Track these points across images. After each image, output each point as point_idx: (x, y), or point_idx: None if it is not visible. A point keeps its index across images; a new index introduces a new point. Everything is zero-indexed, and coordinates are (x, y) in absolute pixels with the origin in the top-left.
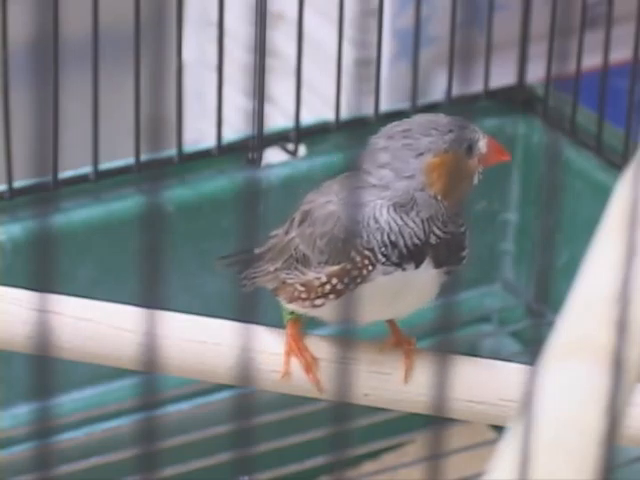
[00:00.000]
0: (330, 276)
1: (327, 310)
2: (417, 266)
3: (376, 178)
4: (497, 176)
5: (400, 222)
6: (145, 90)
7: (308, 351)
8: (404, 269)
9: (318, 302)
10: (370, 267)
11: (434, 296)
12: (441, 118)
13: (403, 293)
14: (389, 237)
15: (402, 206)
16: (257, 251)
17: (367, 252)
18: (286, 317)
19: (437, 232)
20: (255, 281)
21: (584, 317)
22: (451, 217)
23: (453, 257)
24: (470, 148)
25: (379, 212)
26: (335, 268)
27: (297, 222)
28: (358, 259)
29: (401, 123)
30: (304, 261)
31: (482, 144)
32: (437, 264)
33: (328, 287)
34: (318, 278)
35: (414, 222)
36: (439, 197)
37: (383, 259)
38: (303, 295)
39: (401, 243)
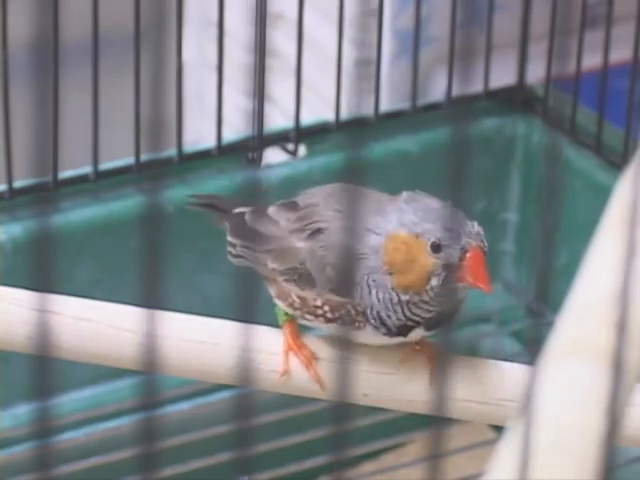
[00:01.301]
0: (326, 304)
1: (317, 324)
2: (405, 335)
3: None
4: (497, 176)
5: (386, 301)
6: (145, 90)
7: (307, 348)
8: (391, 337)
9: (309, 317)
10: (361, 324)
11: None
12: (441, 206)
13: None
14: (379, 313)
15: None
16: (240, 211)
17: (360, 311)
18: (281, 317)
19: (421, 314)
20: (244, 261)
21: (584, 317)
22: (445, 293)
23: (444, 323)
24: (437, 247)
25: (372, 280)
26: (334, 300)
27: (306, 235)
28: (353, 312)
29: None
30: (308, 280)
31: (461, 254)
32: (427, 329)
33: (320, 311)
34: (315, 299)
35: (406, 309)
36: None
37: (373, 323)
38: (296, 305)
39: (389, 323)
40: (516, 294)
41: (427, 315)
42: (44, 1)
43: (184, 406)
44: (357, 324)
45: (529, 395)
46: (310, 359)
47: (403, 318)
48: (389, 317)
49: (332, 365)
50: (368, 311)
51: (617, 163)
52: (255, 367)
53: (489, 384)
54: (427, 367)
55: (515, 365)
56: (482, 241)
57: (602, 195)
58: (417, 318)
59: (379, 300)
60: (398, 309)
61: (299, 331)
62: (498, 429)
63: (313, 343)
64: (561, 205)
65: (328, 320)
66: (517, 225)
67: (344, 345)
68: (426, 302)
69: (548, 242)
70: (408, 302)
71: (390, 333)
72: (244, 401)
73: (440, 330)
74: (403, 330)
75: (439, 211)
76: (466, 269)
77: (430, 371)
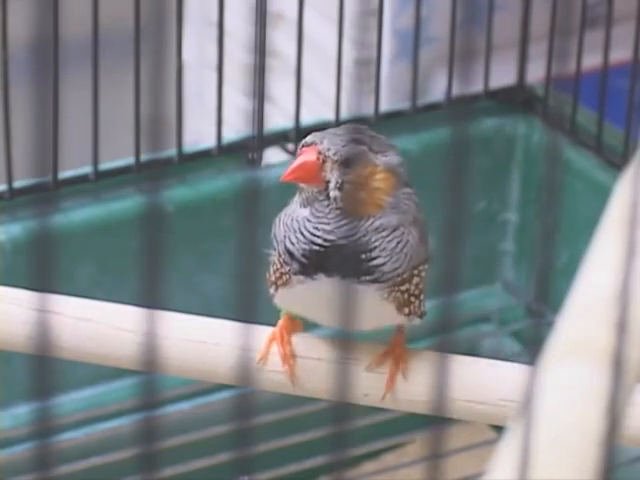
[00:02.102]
0: (272, 266)
1: (278, 300)
2: (317, 274)
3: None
4: (497, 176)
5: (290, 229)
6: (145, 90)
7: (290, 345)
8: (313, 278)
9: (271, 289)
10: (286, 272)
11: (382, 315)
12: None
13: (323, 303)
14: (285, 245)
15: (304, 207)
16: None
17: (282, 257)
18: (282, 310)
19: (319, 239)
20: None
21: (584, 317)
22: (348, 225)
23: (358, 267)
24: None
25: (285, 218)
26: (274, 259)
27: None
28: (278, 264)
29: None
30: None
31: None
32: (341, 274)
33: (273, 278)
34: (272, 264)
35: (303, 227)
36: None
37: (287, 267)
38: (272, 276)
39: (295, 253)
40: (516, 294)
41: (326, 236)
42: (44, 1)
43: (184, 406)
44: (284, 276)
45: (529, 395)
46: (288, 355)
47: (302, 238)
48: (293, 244)
49: (332, 365)
50: (280, 247)
51: (617, 163)
52: (255, 367)
53: (489, 384)
54: (393, 369)
55: (515, 365)
56: (327, 144)
57: (602, 195)
58: (318, 240)
59: (285, 225)
60: (295, 227)
61: (292, 327)
62: (498, 429)
63: (314, 343)
64: (561, 205)
65: (277, 286)
66: (517, 225)
67: (344, 345)
68: (318, 217)
69: (548, 242)
70: (296, 221)
71: (305, 270)
72: (244, 401)
73: (352, 275)
74: (310, 262)
75: (347, 130)
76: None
77: (391, 373)
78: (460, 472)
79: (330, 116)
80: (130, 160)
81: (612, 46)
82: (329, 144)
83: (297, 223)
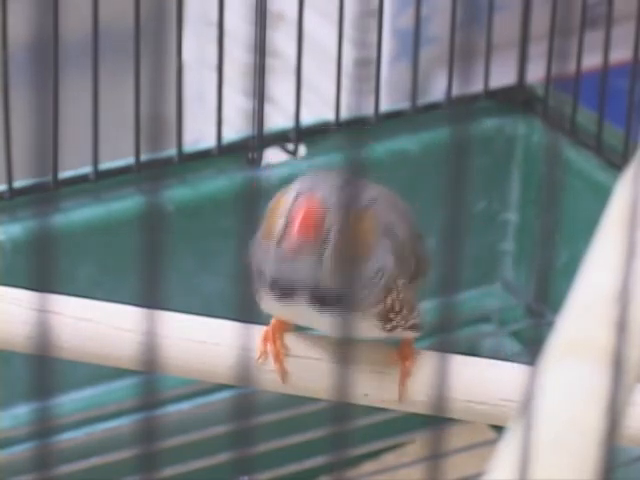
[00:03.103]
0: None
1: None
2: (293, 303)
3: None
4: (497, 176)
5: (269, 256)
6: (145, 90)
7: (282, 342)
8: (285, 303)
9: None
10: (259, 286)
11: (365, 332)
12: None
13: (309, 323)
14: (260, 269)
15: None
16: None
17: (255, 276)
18: None
19: (304, 276)
20: None
21: (584, 317)
22: (328, 266)
23: (334, 302)
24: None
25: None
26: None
27: None
28: (255, 276)
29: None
30: None
31: (293, 201)
32: (319, 307)
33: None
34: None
35: (282, 261)
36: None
37: (261, 286)
38: None
39: (268, 276)
40: (516, 294)
41: (298, 278)
42: (44, 1)
43: (184, 406)
44: (258, 290)
45: (529, 395)
46: (279, 353)
47: (275, 273)
48: (264, 271)
49: (332, 365)
50: (255, 272)
51: (617, 163)
52: (255, 366)
53: (489, 384)
54: (404, 369)
55: (515, 365)
56: (325, 191)
57: (602, 195)
58: (288, 277)
59: (260, 249)
60: (270, 259)
61: (283, 325)
62: (498, 429)
63: (314, 343)
64: (561, 205)
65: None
66: (517, 225)
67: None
68: (283, 250)
69: (548, 242)
70: (274, 252)
71: (277, 293)
72: (244, 401)
73: (334, 309)
74: (286, 294)
75: (331, 176)
76: (292, 215)
77: (402, 373)
78: (460, 472)
79: (330, 116)
80: (130, 160)
81: (612, 46)
82: (324, 193)
83: (272, 255)
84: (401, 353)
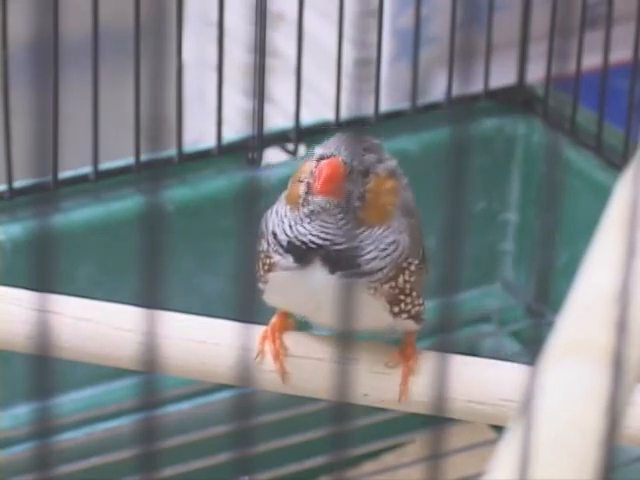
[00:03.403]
0: (259, 254)
1: (266, 292)
2: (305, 265)
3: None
4: (497, 176)
5: (285, 220)
6: (145, 90)
7: (281, 342)
8: (297, 267)
9: (259, 283)
10: (271, 256)
11: (371, 312)
12: (354, 138)
13: (315, 296)
14: (274, 232)
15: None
16: None
17: (269, 241)
18: (276, 310)
19: (319, 237)
20: None
21: (584, 317)
22: (347, 229)
23: (347, 264)
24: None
25: (278, 207)
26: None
27: None
28: (265, 246)
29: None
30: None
31: (316, 163)
32: (331, 269)
33: (260, 266)
34: (260, 255)
35: (299, 223)
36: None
37: (274, 251)
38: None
39: (282, 238)
40: (516, 294)
41: (313, 237)
42: (44, 1)
43: (184, 406)
44: (269, 259)
45: (529, 395)
46: (278, 352)
47: (290, 233)
48: (279, 234)
49: (332, 365)
50: (269, 237)
51: (617, 163)
52: (254, 366)
53: (489, 384)
54: (406, 370)
55: (515, 365)
56: (348, 155)
57: (602, 195)
58: (304, 238)
59: (275, 215)
60: (285, 221)
61: (284, 325)
62: (498, 429)
63: (314, 343)
64: (561, 205)
65: (263, 273)
66: (517, 225)
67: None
68: (307, 216)
69: (548, 242)
70: (290, 216)
71: (290, 258)
72: (244, 401)
73: (344, 273)
74: (300, 255)
75: (353, 140)
76: (315, 176)
77: (404, 372)
78: (460, 472)
79: (330, 116)
80: (130, 160)
81: (612, 46)
82: (349, 155)
83: (282, 217)
84: (403, 352)
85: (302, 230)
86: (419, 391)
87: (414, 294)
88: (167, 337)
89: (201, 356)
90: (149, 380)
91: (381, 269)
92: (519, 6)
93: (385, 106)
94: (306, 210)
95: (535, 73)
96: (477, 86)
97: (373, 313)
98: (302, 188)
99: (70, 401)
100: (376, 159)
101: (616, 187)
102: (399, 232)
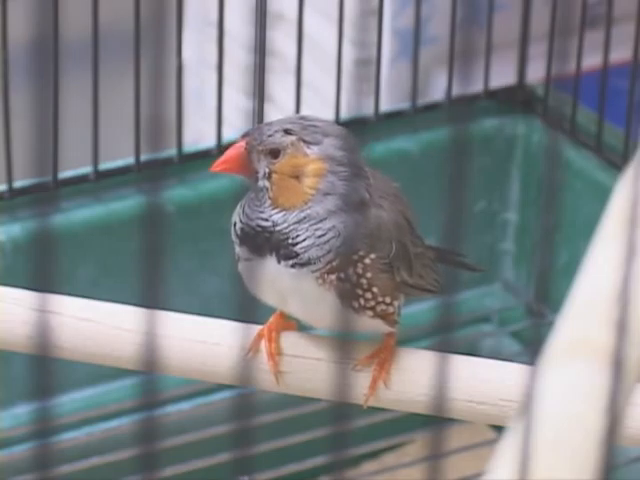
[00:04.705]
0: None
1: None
2: (259, 255)
3: None
4: (497, 176)
5: (240, 208)
6: (145, 90)
7: (277, 343)
8: (253, 257)
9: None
10: (235, 247)
11: (327, 306)
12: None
13: (275, 286)
14: (235, 221)
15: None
16: None
17: (232, 231)
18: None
19: (253, 223)
20: None
21: (584, 317)
22: (277, 214)
23: (288, 252)
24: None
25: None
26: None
27: None
28: (233, 237)
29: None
30: None
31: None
32: (277, 258)
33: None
34: None
35: (243, 212)
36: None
37: (234, 242)
38: None
39: (238, 226)
40: (516, 294)
41: (250, 221)
42: (44, 1)
43: (184, 406)
44: (236, 251)
45: (529, 395)
46: (273, 352)
47: (243, 218)
48: (237, 222)
49: (332, 365)
50: (231, 227)
51: (617, 163)
52: (255, 367)
53: (489, 384)
54: (377, 374)
55: (515, 365)
56: (257, 134)
57: (602, 195)
58: (247, 223)
59: (239, 206)
60: (239, 208)
61: (282, 325)
62: (498, 429)
63: (314, 343)
64: (561, 205)
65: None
66: (517, 225)
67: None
68: (256, 204)
69: (548, 242)
70: (243, 202)
71: (243, 246)
72: (244, 401)
73: (287, 262)
74: (250, 243)
75: (286, 121)
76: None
77: (373, 378)
78: (460, 472)
79: (330, 116)
80: (130, 160)
81: (612, 46)
82: (257, 135)
83: (241, 207)
84: (377, 356)
85: (245, 216)
86: (418, 391)
87: (375, 290)
88: (167, 337)
89: (201, 356)
90: (149, 380)
91: (319, 257)
92: (519, 6)
93: (385, 106)
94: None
95: (535, 73)
96: (477, 86)
97: (327, 307)
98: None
99: (70, 401)
100: (294, 141)
101: (616, 187)
102: (340, 220)
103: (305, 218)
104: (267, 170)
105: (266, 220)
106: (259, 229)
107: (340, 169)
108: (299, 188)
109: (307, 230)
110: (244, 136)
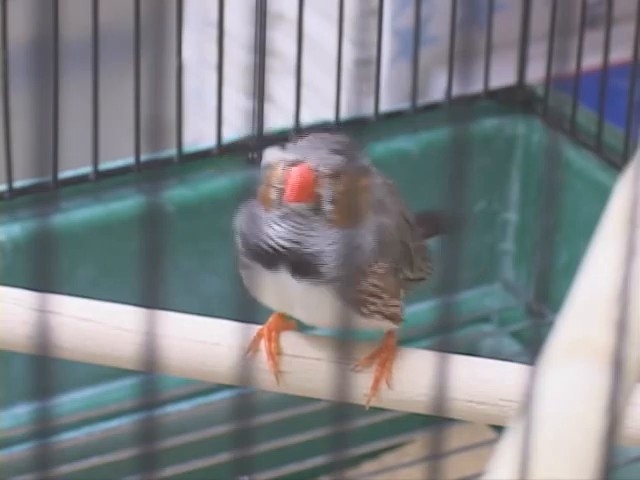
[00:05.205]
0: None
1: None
2: (272, 269)
3: None
4: (497, 176)
5: (257, 221)
6: (145, 90)
7: (276, 342)
8: (263, 268)
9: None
10: (241, 256)
11: (333, 315)
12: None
13: (285, 296)
14: (244, 232)
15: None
16: None
17: (240, 242)
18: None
19: (288, 239)
20: None
21: (584, 317)
22: (317, 232)
23: (310, 270)
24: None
25: (253, 207)
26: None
27: None
28: (238, 245)
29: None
30: None
31: (286, 168)
32: (294, 273)
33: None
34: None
35: (271, 225)
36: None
37: (243, 253)
38: None
39: (251, 241)
40: (516, 294)
41: (282, 240)
42: (44, 1)
43: (184, 406)
44: (241, 259)
45: (529, 395)
46: (272, 352)
47: (259, 233)
48: (249, 236)
49: (332, 365)
50: (239, 237)
51: (617, 163)
52: (255, 367)
53: (489, 384)
54: (378, 375)
55: (515, 365)
56: (316, 159)
57: (602, 195)
58: (271, 241)
59: (249, 216)
60: (257, 222)
61: (281, 325)
62: (498, 429)
63: (314, 343)
64: (561, 205)
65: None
66: (517, 225)
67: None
68: (280, 218)
69: (548, 242)
70: (263, 217)
71: (253, 260)
72: (244, 401)
73: (306, 279)
74: (266, 260)
75: (323, 141)
76: (286, 182)
77: (375, 378)
78: (460, 472)
79: (330, 116)
80: (130, 160)
81: (612, 46)
82: (317, 159)
83: (251, 222)
84: (378, 356)
85: (272, 232)
86: (418, 391)
87: (386, 296)
88: (167, 337)
89: (201, 356)
90: (149, 380)
91: (340, 275)
92: (519, 6)
93: (385, 106)
94: (279, 213)
95: (535, 73)
96: (477, 86)
97: (336, 314)
98: (274, 193)
99: (70, 401)
100: (345, 159)
101: (616, 187)
102: (365, 236)
103: (355, 239)
104: (332, 194)
105: (310, 238)
106: (282, 249)
107: (374, 180)
108: (359, 206)
109: (337, 250)
110: (296, 163)
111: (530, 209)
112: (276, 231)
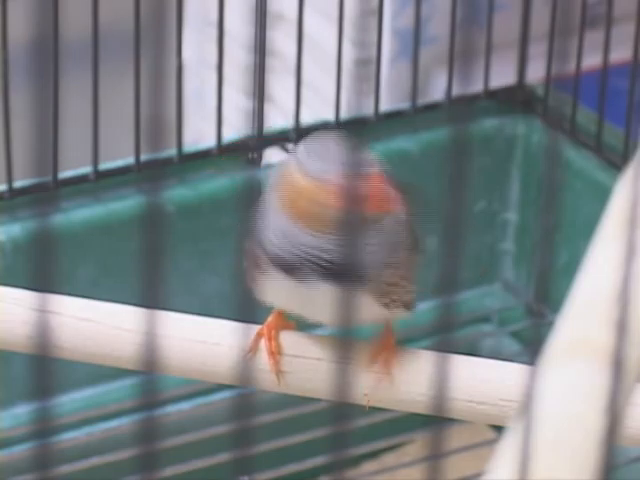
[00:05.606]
0: (248, 252)
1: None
2: (300, 280)
3: None
4: (497, 176)
5: (283, 232)
6: (145, 90)
7: (276, 341)
8: (289, 279)
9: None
10: (263, 265)
11: (361, 308)
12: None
13: (307, 301)
14: (263, 242)
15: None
16: None
17: (260, 250)
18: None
19: (325, 249)
20: None
21: (584, 317)
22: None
23: (347, 277)
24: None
25: (272, 215)
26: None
27: None
28: (255, 250)
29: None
30: None
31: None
32: (324, 281)
33: (249, 263)
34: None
35: (302, 236)
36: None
37: (263, 262)
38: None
39: (275, 251)
40: (516, 294)
41: (314, 251)
42: (44, 1)
43: (184, 406)
44: (260, 266)
45: (529, 395)
46: (273, 351)
47: (288, 247)
48: (272, 247)
49: (332, 365)
50: (258, 245)
51: (617, 163)
52: (255, 367)
53: (489, 384)
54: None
55: (515, 365)
56: (350, 167)
57: (602, 195)
58: (305, 255)
59: (271, 228)
60: (282, 233)
61: (281, 324)
62: (498, 429)
63: (314, 343)
64: (561, 205)
65: (252, 273)
66: (517, 225)
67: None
68: (313, 233)
69: (548, 242)
70: (292, 230)
71: (289, 273)
72: (244, 401)
73: (341, 282)
74: (292, 270)
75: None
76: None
77: (378, 377)
78: (460, 472)
79: (330, 116)
80: (130, 160)
81: (612, 46)
82: (351, 167)
83: (282, 235)
84: (381, 356)
85: (304, 240)
86: (419, 391)
87: (404, 283)
88: (167, 337)
89: (201, 356)
90: (149, 380)
91: (372, 276)
92: (519, 6)
93: (385, 106)
94: (322, 228)
95: (535, 73)
96: (477, 86)
97: (365, 310)
98: (315, 207)
99: (70, 401)
100: (361, 160)
101: (616, 187)
102: (392, 232)
103: (385, 238)
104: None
105: (342, 254)
106: (325, 263)
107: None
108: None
109: (378, 251)
110: (362, 176)
111: (530, 209)
112: (311, 243)
